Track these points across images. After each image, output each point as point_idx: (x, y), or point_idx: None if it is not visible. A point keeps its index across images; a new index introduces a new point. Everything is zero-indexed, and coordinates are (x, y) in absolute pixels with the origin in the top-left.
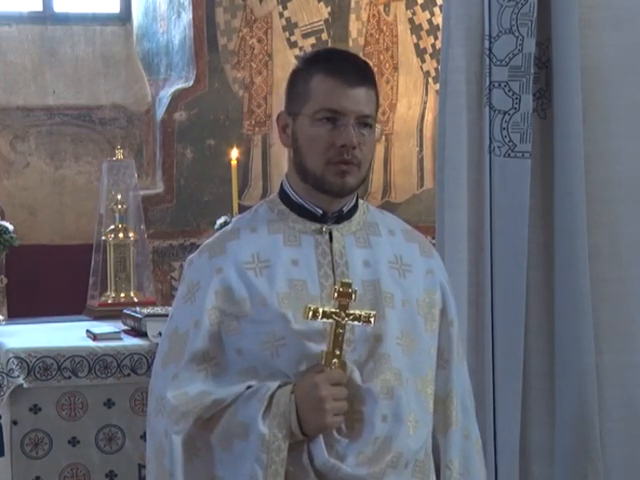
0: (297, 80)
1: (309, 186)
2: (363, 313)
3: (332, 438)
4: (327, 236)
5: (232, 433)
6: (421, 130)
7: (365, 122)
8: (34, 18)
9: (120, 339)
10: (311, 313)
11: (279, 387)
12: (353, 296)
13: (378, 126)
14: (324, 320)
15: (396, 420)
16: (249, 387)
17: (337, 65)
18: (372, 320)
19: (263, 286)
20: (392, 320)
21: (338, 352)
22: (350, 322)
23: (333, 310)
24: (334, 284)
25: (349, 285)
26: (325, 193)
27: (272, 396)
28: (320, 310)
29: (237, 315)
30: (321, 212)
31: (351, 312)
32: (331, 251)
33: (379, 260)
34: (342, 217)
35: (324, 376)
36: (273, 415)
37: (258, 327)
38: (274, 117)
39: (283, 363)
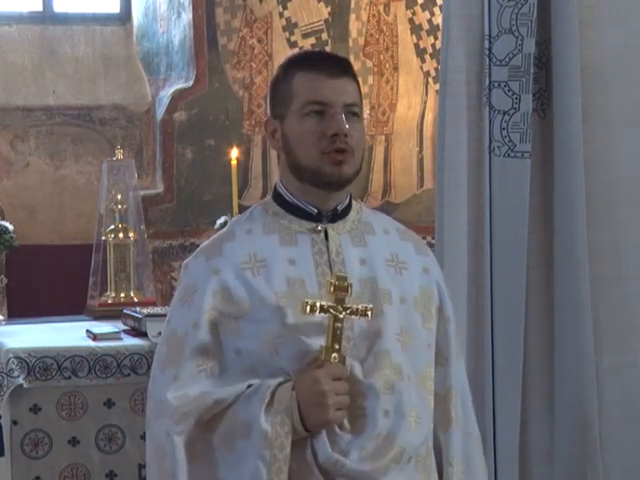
0: (278, 85)
1: (306, 184)
2: (360, 306)
3: (334, 434)
4: (322, 235)
5: (234, 433)
6: (421, 130)
7: (352, 111)
8: (34, 18)
9: (120, 339)
10: (309, 307)
11: (280, 384)
12: (349, 290)
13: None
14: (322, 314)
15: (398, 415)
16: (249, 386)
17: (315, 60)
18: (369, 314)
19: (261, 285)
20: (391, 316)
21: (337, 346)
22: (347, 315)
23: (330, 304)
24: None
25: (345, 279)
26: (323, 186)
27: (273, 393)
28: (317, 304)
29: (236, 315)
30: (316, 211)
31: (348, 306)
32: (327, 250)
33: (375, 258)
34: (337, 216)
35: (325, 371)
36: (275, 412)
37: (257, 327)
38: None
39: (283, 361)
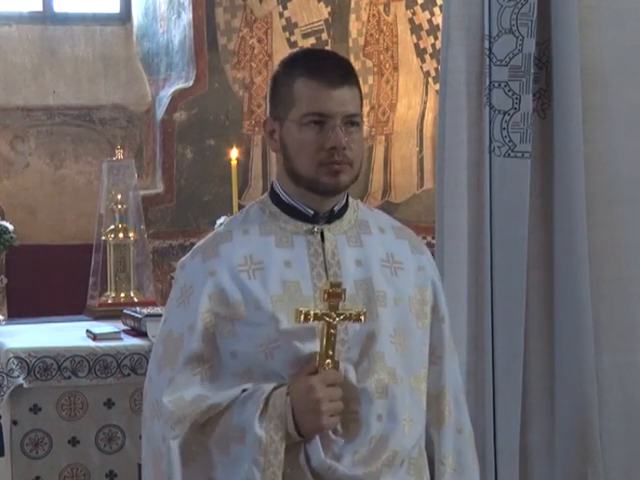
0: (279, 85)
1: (302, 189)
2: (353, 312)
3: (328, 438)
4: (319, 236)
5: (229, 437)
6: (421, 130)
7: (352, 121)
8: (34, 18)
9: (120, 339)
10: (302, 316)
11: (274, 389)
12: (343, 296)
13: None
14: (316, 322)
15: (391, 419)
16: (244, 390)
17: (318, 67)
18: (362, 318)
19: (257, 289)
20: (385, 319)
21: (331, 352)
22: (341, 321)
23: (324, 311)
24: None
25: (338, 285)
26: (320, 193)
27: (268, 398)
28: (311, 312)
29: (231, 318)
30: (312, 213)
31: (341, 311)
32: (323, 251)
33: (371, 259)
34: (333, 217)
35: (319, 378)
36: (269, 417)
37: (252, 330)
38: None
39: (278, 365)
